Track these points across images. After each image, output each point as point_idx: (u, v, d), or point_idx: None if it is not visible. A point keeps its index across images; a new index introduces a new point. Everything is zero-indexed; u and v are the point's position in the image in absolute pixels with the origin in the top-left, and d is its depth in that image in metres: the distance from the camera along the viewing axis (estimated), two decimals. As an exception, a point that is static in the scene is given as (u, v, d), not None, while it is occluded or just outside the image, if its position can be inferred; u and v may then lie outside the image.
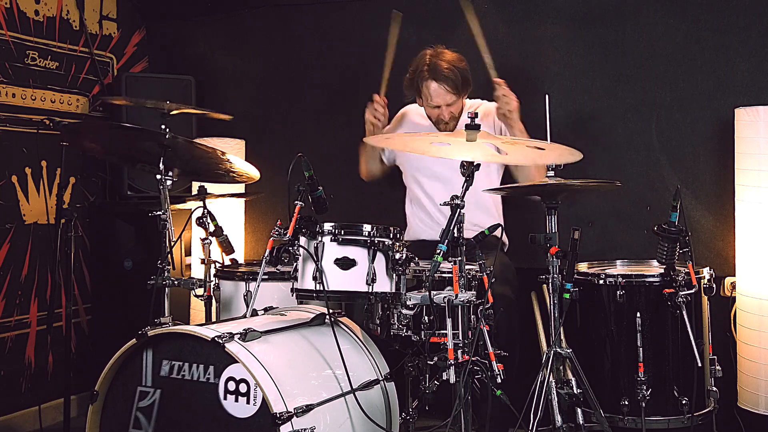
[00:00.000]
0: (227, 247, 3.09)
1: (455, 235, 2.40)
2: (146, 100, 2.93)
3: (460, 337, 2.40)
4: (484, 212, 3.42)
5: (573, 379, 2.62)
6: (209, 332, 2.29)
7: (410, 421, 2.66)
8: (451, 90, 3.33)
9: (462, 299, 2.37)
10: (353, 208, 4.01)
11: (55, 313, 3.69)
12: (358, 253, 2.45)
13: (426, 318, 2.54)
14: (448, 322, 2.37)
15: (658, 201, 3.55)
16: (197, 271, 3.78)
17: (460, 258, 2.41)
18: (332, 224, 2.46)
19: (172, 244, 2.83)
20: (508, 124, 3.34)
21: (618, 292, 2.89)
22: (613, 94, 3.69)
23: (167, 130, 2.85)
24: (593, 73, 3.73)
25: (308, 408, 2.25)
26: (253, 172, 3.16)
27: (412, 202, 3.60)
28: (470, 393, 2.41)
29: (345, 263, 2.44)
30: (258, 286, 2.67)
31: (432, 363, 2.49)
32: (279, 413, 2.16)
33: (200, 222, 3.03)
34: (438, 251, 2.32)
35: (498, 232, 2.59)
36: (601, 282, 2.93)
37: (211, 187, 3.16)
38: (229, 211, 4.03)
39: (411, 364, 2.59)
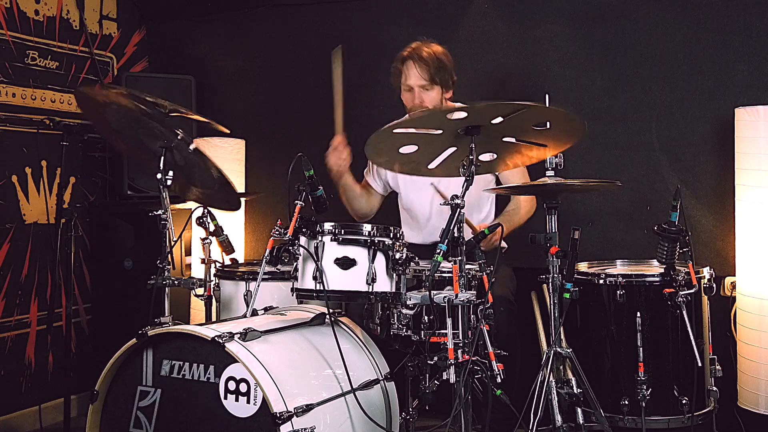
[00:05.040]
0: (227, 247, 3.09)
1: (455, 234, 2.40)
2: (149, 91, 2.90)
3: (460, 337, 2.40)
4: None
5: (573, 378, 2.62)
6: (209, 332, 2.29)
7: (410, 421, 2.65)
8: (424, 73, 3.27)
9: (462, 299, 2.37)
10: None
11: (55, 313, 3.68)
12: (358, 253, 2.45)
13: (426, 318, 2.53)
14: (448, 321, 2.37)
15: (658, 201, 3.56)
16: (197, 271, 3.78)
17: (460, 258, 2.41)
18: (332, 224, 2.46)
19: (172, 243, 2.82)
20: None
21: (618, 292, 2.89)
22: (613, 94, 3.70)
23: (183, 132, 2.82)
24: (593, 73, 3.73)
25: (308, 408, 2.25)
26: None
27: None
28: (470, 393, 2.41)
29: (345, 263, 2.44)
30: (258, 285, 2.67)
31: (432, 363, 2.48)
32: (279, 413, 2.16)
33: (200, 222, 3.03)
34: (438, 251, 2.32)
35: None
36: (601, 282, 2.93)
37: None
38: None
39: (411, 364, 2.58)
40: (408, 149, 2.59)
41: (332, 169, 3.38)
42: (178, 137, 2.77)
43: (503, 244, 3.40)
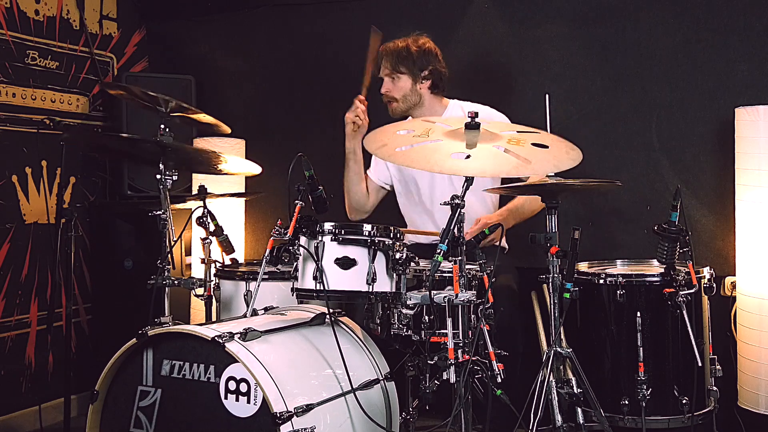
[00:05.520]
0: (227, 247, 3.09)
1: (455, 234, 2.40)
2: (149, 91, 2.91)
3: (461, 337, 2.40)
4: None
5: (573, 378, 2.62)
6: (209, 332, 2.29)
7: (410, 421, 2.65)
8: (387, 62, 3.39)
9: (462, 299, 2.37)
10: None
11: (55, 313, 3.69)
12: (359, 253, 2.45)
13: (426, 317, 2.53)
14: (449, 321, 2.37)
15: (658, 201, 3.56)
16: (197, 271, 3.78)
17: (460, 258, 2.41)
18: (332, 224, 2.45)
19: (172, 243, 2.83)
20: None
21: (618, 292, 2.88)
22: (613, 94, 3.70)
23: (167, 129, 2.84)
24: (593, 73, 3.73)
25: (308, 407, 2.25)
26: (253, 169, 3.16)
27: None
28: (470, 393, 2.41)
29: (345, 263, 2.44)
30: (258, 285, 2.67)
31: (432, 363, 2.48)
32: (279, 413, 2.16)
33: (200, 221, 3.03)
34: (438, 251, 2.32)
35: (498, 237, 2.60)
36: (602, 282, 2.93)
37: (212, 186, 3.16)
38: (230, 210, 4.03)
39: (411, 364, 2.59)
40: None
41: (347, 123, 3.43)
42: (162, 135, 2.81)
43: (504, 244, 3.41)
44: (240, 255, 4.03)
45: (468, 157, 2.41)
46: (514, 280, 3.27)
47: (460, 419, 2.37)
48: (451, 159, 2.42)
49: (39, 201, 3.97)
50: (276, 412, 2.16)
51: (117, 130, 4.13)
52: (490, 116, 3.32)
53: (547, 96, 2.67)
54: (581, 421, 2.62)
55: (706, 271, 2.96)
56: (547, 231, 2.65)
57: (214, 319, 3.01)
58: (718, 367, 2.94)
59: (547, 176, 2.66)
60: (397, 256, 2.47)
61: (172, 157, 2.88)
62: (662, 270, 2.84)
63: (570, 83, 3.75)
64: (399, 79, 3.37)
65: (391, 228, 2.50)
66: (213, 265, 3.04)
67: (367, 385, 2.55)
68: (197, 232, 3.19)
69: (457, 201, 2.40)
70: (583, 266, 3.19)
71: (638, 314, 2.83)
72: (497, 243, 2.79)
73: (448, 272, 2.49)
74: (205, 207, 3.05)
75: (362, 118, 3.42)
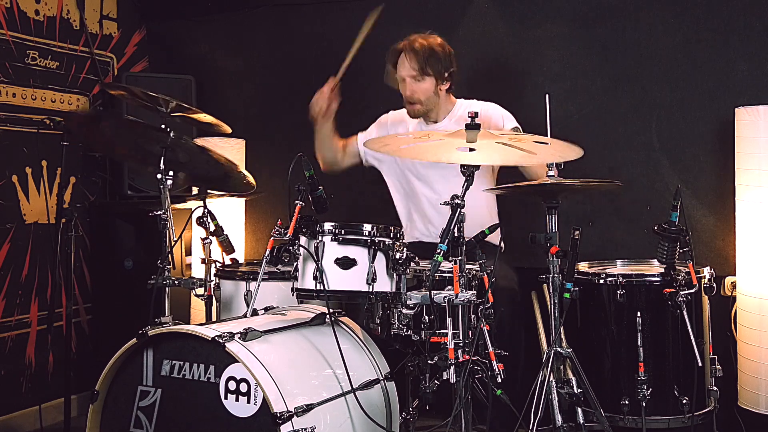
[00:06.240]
0: (227, 247, 3.09)
1: (455, 234, 2.40)
2: (149, 91, 2.91)
3: (461, 337, 2.40)
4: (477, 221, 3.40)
5: (573, 378, 2.62)
6: (210, 332, 2.29)
7: (410, 421, 2.65)
8: (414, 63, 3.30)
9: (462, 299, 2.37)
10: (354, 208, 4.01)
11: (55, 313, 3.68)
12: (359, 253, 2.45)
13: (426, 317, 2.54)
14: (449, 321, 2.37)
15: (658, 200, 3.56)
16: (198, 271, 3.78)
17: (460, 257, 2.41)
18: (332, 224, 2.46)
19: (173, 243, 2.82)
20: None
21: (618, 292, 2.88)
22: (613, 94, 3.70)
23: (170, 130, 2.83)
24: (593, 73, 3.73)
25: (308, 407, 2.25)
26: (250, 179, 3.14)
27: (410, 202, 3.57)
28: (470, 393, 2.41)
29: (345, 263, 2.44)
30: (258, 285, 2.67)
31: (432, 362, 2.49)
32: (279, 413, 2.16)
33: (200, 221, 3.03)
34: (438, 251, 2.32)
35: (496, 237, 2.60)
36: (602, 281, 2.93)
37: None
38: (230, 210, 4.03)
39: (411, 364, 2.59)
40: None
41: (312, 108, 3.41)
42: (171, 137, 2.79)
43: (501, 244, 3.40)
44: (240, 255, 4.03)
45: (472, 150, 2.44)
46: (514, 280, 3.27)
47: (460, 419, 2.37)
48: (457, 152, 2.47)
49: (39, 201, 3.97)
50: (276, 412, 2.16)
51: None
52: (496, 113, 3.31)
53: (547, 96, 2.68)
54: (581, 421, 2.62)
55: (706, 271, 2.97)
56: (547, 231, 2.65)
57: (214, 319, 3.01)
58: (718, 367, 2.94)
59: (547, 176, 2.66)
60: (397, 256, 2.48)
61: (181, 165, 2.89)
62: (662, 270, 2.84)
63: (570, 83, 3.75)
64: (423, 81, 3.31)
65: (391, 228, 2.50)
66: (213, 265, 3.04)
67: (368, 385, 2.55)
68: (197, 232, 3.19)
69: (457, 201, 2.40)
70: (583, 266, 3.19)
71: (638, 314, 2.83)
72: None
73: (448, 272, 2.49)
74: (205, 207, 3.04)
75: (326, 106, 3.41)
